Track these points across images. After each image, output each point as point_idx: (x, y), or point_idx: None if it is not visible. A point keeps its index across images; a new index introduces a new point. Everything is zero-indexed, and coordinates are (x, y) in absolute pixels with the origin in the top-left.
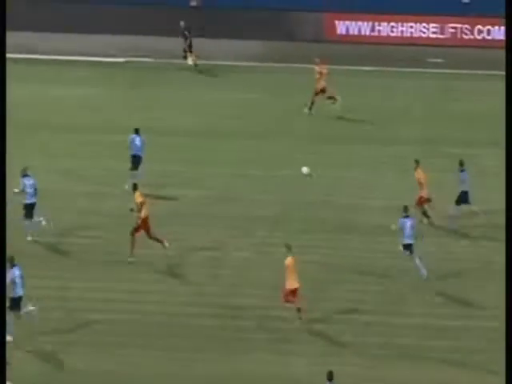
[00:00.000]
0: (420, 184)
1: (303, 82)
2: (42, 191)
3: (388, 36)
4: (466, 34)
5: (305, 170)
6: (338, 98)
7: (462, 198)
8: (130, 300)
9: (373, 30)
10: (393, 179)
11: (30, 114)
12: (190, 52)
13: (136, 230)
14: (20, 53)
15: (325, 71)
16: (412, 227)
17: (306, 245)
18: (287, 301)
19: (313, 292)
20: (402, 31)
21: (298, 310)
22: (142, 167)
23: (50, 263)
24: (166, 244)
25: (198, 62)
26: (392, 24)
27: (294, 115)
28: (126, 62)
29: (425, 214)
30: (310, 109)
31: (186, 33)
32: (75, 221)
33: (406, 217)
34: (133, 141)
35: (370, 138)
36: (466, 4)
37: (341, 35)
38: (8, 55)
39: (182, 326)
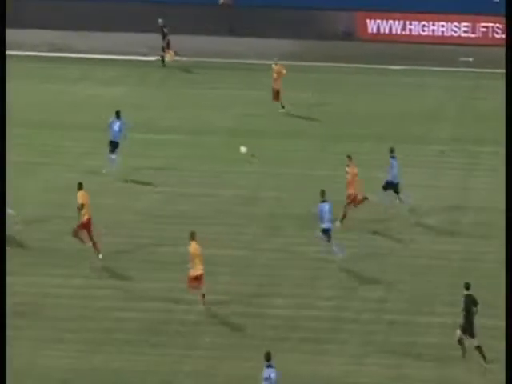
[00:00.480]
0: (350, 181)
1: (335, 81)
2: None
3: (419, 35)
4: (498, 33)
5: (243, 149)
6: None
7: (387, 186)
8: (153, 298)
9: (404, 28)
10: (424, 178)
11: (60, 114)
12: (168, 49)
13: (77, 230)
14: (51, 51)
15: (283, 71)
16: (330, 212)
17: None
18: (192, 287)
19: (341, 291)
20: (433, 30)
21: (203, 296)
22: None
23: (75, 261)
24: (100, 256)
25: (220, 59)
26: (423, 23)
27: (327, 114)
28: (158, 61)
29: (344, 214)
30: (283, 107)
31: (165, 30)
32: (105, 220)
33: (324, 201)
34: (111, 125)
35: (400, 137)
36: (497, 3)
37: (372, 34)
38: (39, 54)
39: (212, 325)
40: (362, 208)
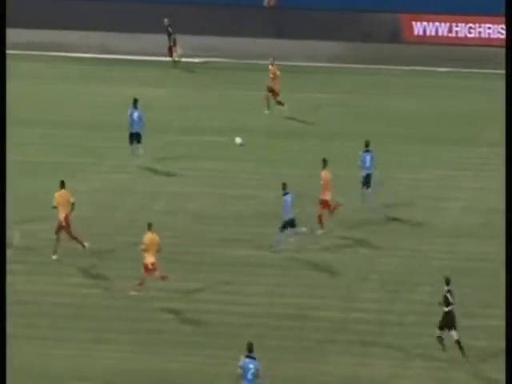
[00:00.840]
0: (324, 186)
1: (381, 83)
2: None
3: (465, 37)
4: None
5: (238, 140)
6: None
7: (365, 181)
8: (199, 300)
9: (450, 30)
10: (472, 181)
11: (102, 115)
12: (175, 47)
13: (68, 231)
14: (94, 53)
15: (278, 73)
16: (292, 203)
17: (382, 246)
18: (148, 274)
19: (386, 294)
20: (479, 32)
21: (163, 277)
22: (139, 145)
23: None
24: (86, 244)
25: (264, 61)
26: (470, 25)
27: (371, 115)
28: (202, 63)
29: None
30: (282, 104)
31: (170, 29)
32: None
33: (286, 194)
34: (130, 115)
35: (447, 140)
36: None
37: (418, 36)
38: (81, 55)
39: (258, 327)
40: (397, 210)
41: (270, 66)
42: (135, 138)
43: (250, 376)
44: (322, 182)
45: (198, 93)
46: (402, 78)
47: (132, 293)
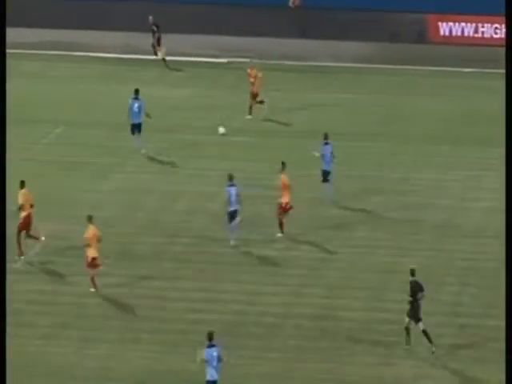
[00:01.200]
0: (282, 189)
1: (407, 83)
2: (138, 190)
3: (491, 37)
4: None
5: (221, 130)
6: (266, 100)
7: (324, 177)
8: (224, 300)
9: (476, 31)
10: (497, 181)
11: (125, 115)
12: (159, 46)
13: (20, 230)
14: (123, 53)
15: (260, 75)
16: (237, 195)
17: (405, 247)
18: (91, 267)
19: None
20: (505, 33)
21: (92, 278)
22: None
23: (152, 262)
24: (42, 238)
25: (290, 62)
26: (496, 25)
27: (398, 116)
28: (229, 63)
29: (281, 225)
30: (250, 113)
31: (154, 28)
32: (179, 221)
33: (232, 185)
34: (131, 107)
35: (473, 140)
36: None
37: (444, 36)
38: (110, 55)
39: (282, 327)
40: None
41: (248, 70)
42: (136, 128)
43: (215, 363)
44: (279, 184)
45: (221, 93)
46: (429, 79)
47: (91, 290)
